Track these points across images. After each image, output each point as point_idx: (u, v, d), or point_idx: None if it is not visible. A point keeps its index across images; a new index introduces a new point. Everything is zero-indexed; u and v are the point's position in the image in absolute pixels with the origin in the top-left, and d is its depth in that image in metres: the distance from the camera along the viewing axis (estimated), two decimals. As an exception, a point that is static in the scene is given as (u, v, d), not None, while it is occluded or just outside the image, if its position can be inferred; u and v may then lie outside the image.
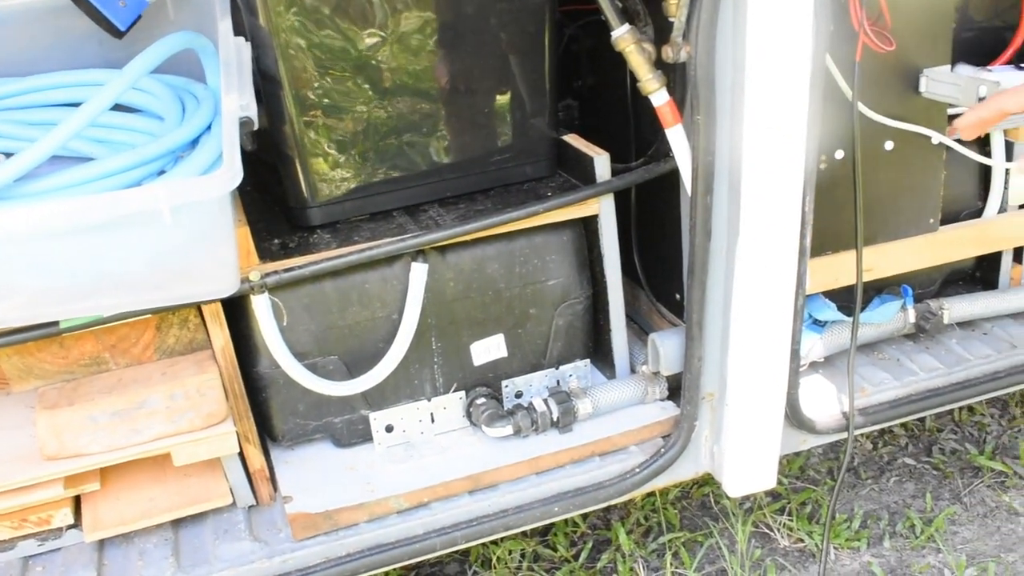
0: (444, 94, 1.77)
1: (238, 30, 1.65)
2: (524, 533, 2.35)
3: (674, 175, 1.77)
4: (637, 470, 1.79)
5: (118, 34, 1.62)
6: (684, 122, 1.62)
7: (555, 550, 2.31)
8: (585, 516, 2.41)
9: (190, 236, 1.42)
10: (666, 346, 1.79)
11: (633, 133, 1.96)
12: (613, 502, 1.81)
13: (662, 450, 1.80)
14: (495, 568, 2.26)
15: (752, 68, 1.49)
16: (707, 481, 2.50)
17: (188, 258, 1.45)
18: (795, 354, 1.76)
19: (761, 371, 1.72)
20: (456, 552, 2.30)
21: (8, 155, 1.65)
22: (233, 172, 1.36)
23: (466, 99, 1.79)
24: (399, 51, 1.71)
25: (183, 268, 1.47)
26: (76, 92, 1.71)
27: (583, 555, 2.29)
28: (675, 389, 1.88)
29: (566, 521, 2.38)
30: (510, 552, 2.29)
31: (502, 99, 1.81)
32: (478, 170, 1.84)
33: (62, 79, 1.71)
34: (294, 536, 1.68)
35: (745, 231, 1.60)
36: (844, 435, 1.90)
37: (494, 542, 2.29)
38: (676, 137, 1.60)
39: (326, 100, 1.69)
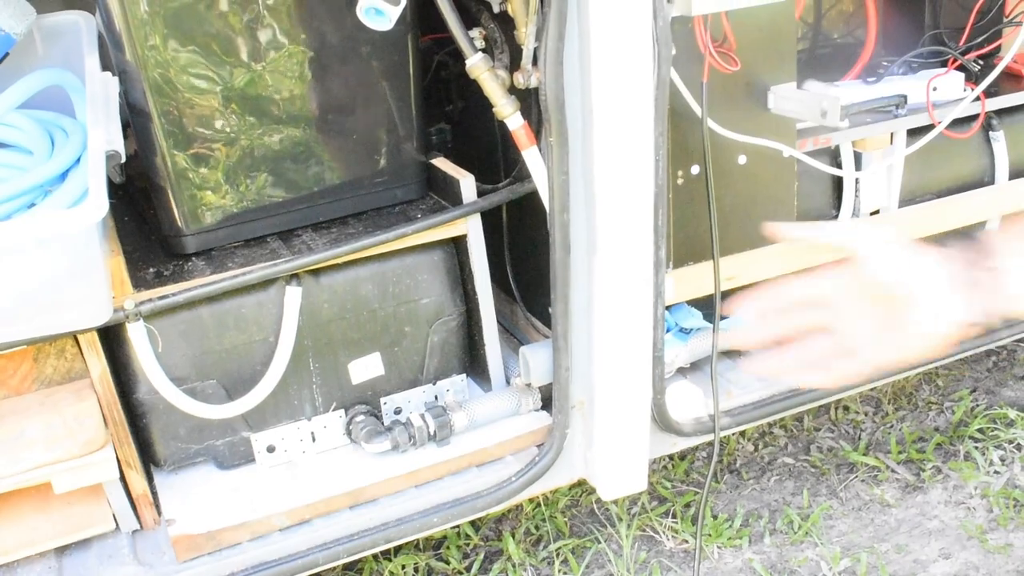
0: (313, 122, 1.83)
1: (106, 65, 1.69)
2: (417, 547, 2.40)
3: (538, 194, 1.85)
4: (513, 479, 1.86)
5: (-14, 72, 1.66)
6: (540, 144, 1.70)
7: (447, 563, 2.37)
8: (477, 528, 2.47)
9: (58, 268, 1.46)
10: (535, 358, 1.86)
11: (501, 155, 2.04)
12: (492, 511, 1.88)
13: (536, 458, 1.87)
14: (388, 583, 2.31)
15: (598, 92, 1.57)
16: (594, 488, 2.58)
17: (58, 290, 1.49)
18: (659, 360, 1.85)
19: (626, 378, 1.80)
20: (350, 569, 2.34)
21: None
22: (98, 205, 1.40)
23: (335, 127, 1.85)
24: (266, 82, 1.77)
25: (53, 300, 1.51)
26: (-54, 129, 1.74)
27: (475, 567, 2.35)
28: (548, 399, 1.95)
29: (458, 533, 2.44)
30: (403, 567, 2.34)
31: (371, 126, 1.87)
32: (350, 195, 1.91)
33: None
34: (177, 558, 1.72)
35: (602, 246, 1.68)
36: (711, 436, 1.99)
37: (386, 557, 2.34)
38: (532, 158, 1.68)
39: (196, 131, 1.74)
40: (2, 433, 1.65)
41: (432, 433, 1.87)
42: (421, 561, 2.36)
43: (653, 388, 1.86)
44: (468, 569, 2.35)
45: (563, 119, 1.61)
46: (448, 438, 1.89)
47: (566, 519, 2.49)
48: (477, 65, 1.65)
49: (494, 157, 2.05)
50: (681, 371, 2.09)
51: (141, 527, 1.81)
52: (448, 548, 2.40)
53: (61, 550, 1.77)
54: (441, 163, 1.94)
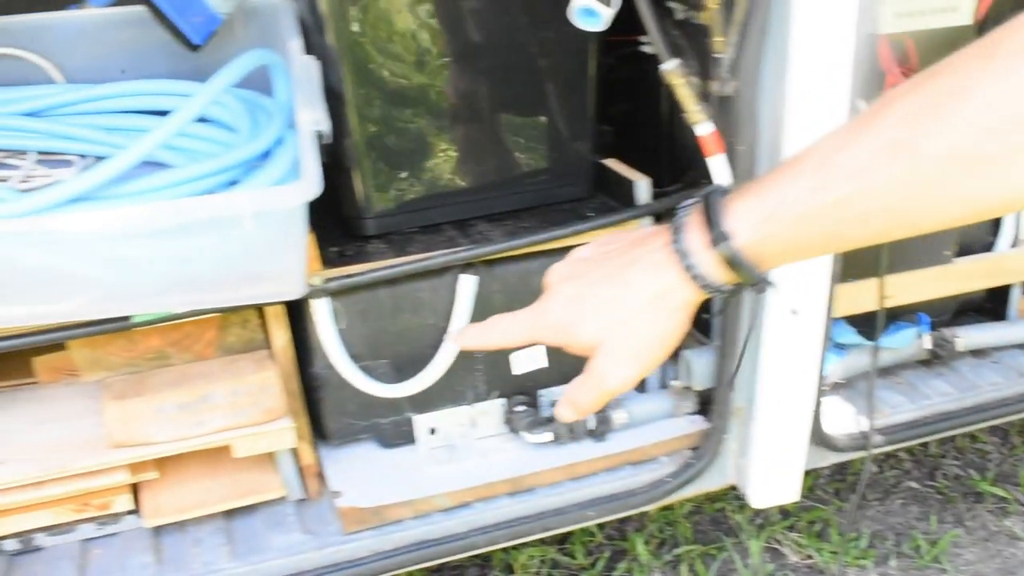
0: (495, 117, 1.87)
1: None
2: (542, 540, 2.43)
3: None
4: (668, 479, 1.88)
5: (193, 48, 1.72)
6: (725, 151, 1.72)
7: (573, 558, 2.40)
8: (601, 527, 2.50)
9: (268, 241, 1.51)
10: (698, 362, 1.89)
11: (666, 159, 2.06)
12: (644, 508, 1.91)
13: (692, 461, 1.89)
14: (516, 573, 2.34)
15: (791, 104, 1.59)
16: (720, 497, 2.59)
17: (263, 262, 1.55)
18: (820, 375, 1.86)
19: (790, 389, 1.82)
20: (477, 557, 2.38)
21: (84, 157, 1.76)
22: (313, 183, 1.45)
23: (514, 122, 1.89)
24: (454, 74, 1.82)
25: (258, 271, 1.57)
26: (148, 100, 1.80)
27: (600, 564, 2.38)
28: (703, 404, 1.97)
29: (583, 531, 2.47)
30: (531, 558, 2.37)
31: (548, 123, 1.92)
32: (522, 189, 1.95)
33: (135, 87, 1.80)
34: (344, 529, 1.77)
35: (777, 255, 1.70)
36: (863, 453, 2.00)
37: (514, 547, 2.38)
38: (717, 165, 1.70)
39: (385, 117, 1.80)
40: (188, 396, 1.71)
41: (592, 428, 1.90)
42: (547, 554, 2.40)
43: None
44: (593, 566, 2.38)
45: (756, 128, 1.64)
46: (606, 435, 1.92)
47: (690, 525, 2.51)
48: (673, 71, 1.68)
49: (658, 161, 2.07)
50: (833, 386, 2.10)
51: (305, 497, 1.86)
52: (573, 544, 2.44)
53: (229, 513, 1.83)
54: (614, 164, 1.97)
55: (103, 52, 1.84)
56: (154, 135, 1.52)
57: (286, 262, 1.57)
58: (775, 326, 1.76)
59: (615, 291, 0.93)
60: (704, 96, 1.71)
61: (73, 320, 1.63)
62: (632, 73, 2.09)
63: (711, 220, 0.88)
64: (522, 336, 0.99)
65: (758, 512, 2.55)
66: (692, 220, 0.90)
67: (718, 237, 0.87)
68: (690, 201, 0.92)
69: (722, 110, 1.74)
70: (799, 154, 0.85)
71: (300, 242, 1.55)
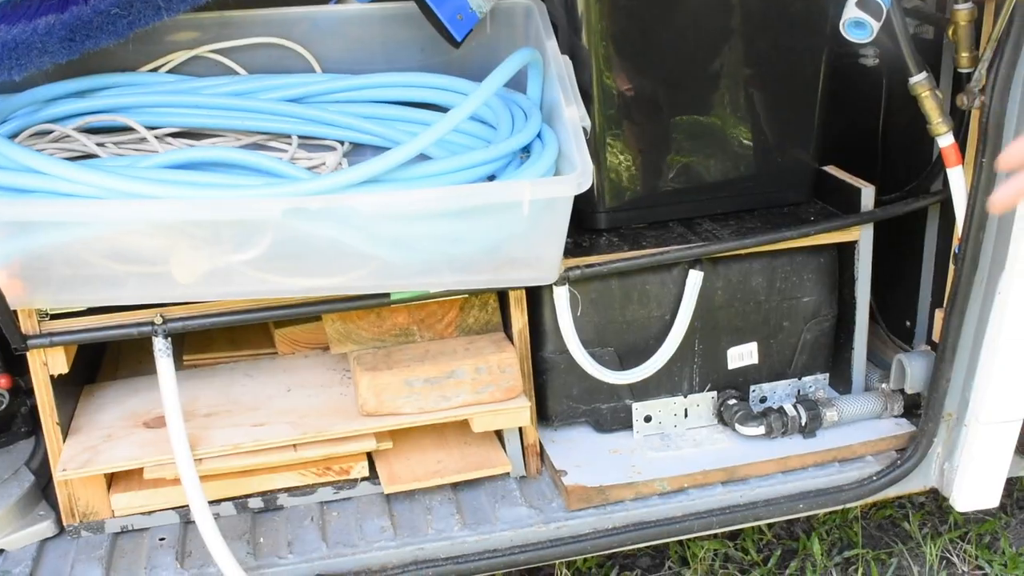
0: (726, 123, 1.95)
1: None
2: (715, 535, 2.50)
3: (921, 210, 1.96)
4: (874, 478, 1.94)
5: (455, 44, 1.81)
6: (964, 163, 1.78)
7: (746, 553, 2.46)
8: (770, 525, 2.56)
9: (536, 228, 1.61)
10: (913, 366, 1.94)
11: (879, 169, 2.12)
12: (850, 505, 1.97)
13: (898, 462, 1.95)
14: (691, 564, 2.41)
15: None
16: (887, 504, 2.63)
17: (530, 247, 1.65)
18: (1033, 385, 1.91)
19: (1005, 397, 1.87)
20: (650, 548, 2.45)
21: (341, 143, 1.87)
22: (587, 175, 1.54)
23: (744, 127, 1.97)
24: (696, 81, 1.92)
25: (520, 255, 1.67)
26: (402, 91, 1.90)
27: (772, 561, 2.44)
28: (908, 407, 2.03)
29: (753, 528, 2.53)
30: (706, 551, 2.44)
31: (775, 130, 1.99)
32: (746, 192, 2.02)
33: (391, 79, 1.90)
34: (568, 506, 1.86)
35: (1011, 266, 1.75)
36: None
37: (691, 540, 2.45)
38: (955, 177, 1.76)
39: (628, 117, 1.89)
40: (435, 371, 1.81)
41: (803, 424, 1.97)
42: (721, 548, 2.46)
43: (1021, 410, 1.92)
44: (765, 562, 2.44)
45: (999, 142, 1.69)
46: (815, 431, 1.98)
47: (858, 529, 2.56)
48: (921, 83, 1.74)
49: (869, 170, 2.12)
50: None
51: (526, 475, 1.95)
52: (745, 540, 2.50)
53: (455, 486, 1.92)
54: (835, 171, 2.03)
55: (356, 45, 1.95)
56: (436, 128, 1.62)
57: (548, 249, 1.66)
58: (1000, 333, 1.81)
59: None
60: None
61: (335, 295, 1.74)
62: (845, 84, 2.14)
63: None
64: None
65: (926, 521, 2.59)
66: None
67: None
68: None
69: (959, 123, 1.80)
70: None
71: (563, 231, 1.65)
